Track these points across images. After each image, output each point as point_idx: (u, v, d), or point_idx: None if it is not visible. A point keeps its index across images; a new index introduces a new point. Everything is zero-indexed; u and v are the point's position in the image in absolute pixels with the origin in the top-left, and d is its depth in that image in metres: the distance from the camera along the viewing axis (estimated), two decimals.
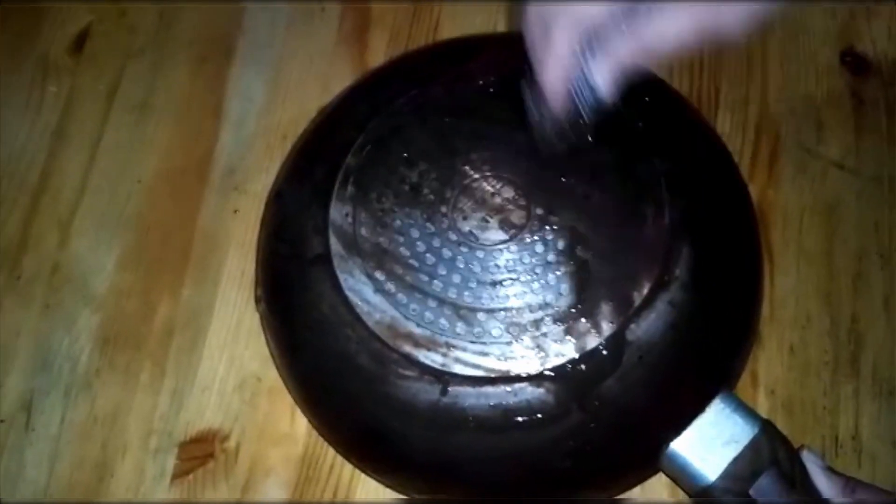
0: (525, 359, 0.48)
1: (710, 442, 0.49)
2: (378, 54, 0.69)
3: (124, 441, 0.59)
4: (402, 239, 0.51)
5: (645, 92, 0.56)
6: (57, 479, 0.58)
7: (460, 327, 0.49)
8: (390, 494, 0.56)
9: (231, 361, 0.61)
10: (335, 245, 0.51)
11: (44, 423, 0.60)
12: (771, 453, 0.49)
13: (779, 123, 0.65)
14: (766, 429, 0.49)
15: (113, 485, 0.58)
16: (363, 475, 0.57)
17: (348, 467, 0.57)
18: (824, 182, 0.63)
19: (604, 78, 0.38)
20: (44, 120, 0.68)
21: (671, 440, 0.49)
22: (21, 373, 0.61)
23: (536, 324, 0.48)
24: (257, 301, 0.57)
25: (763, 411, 0.54)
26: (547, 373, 0.48)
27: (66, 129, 0.68)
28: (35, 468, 0.59)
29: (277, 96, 0.68)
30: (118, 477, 0.58)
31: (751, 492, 0.48)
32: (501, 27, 0.68)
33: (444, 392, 0.48)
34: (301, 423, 0.59)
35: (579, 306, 0.49)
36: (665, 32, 0.36)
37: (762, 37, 0.67)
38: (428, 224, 0.51)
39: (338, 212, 0.52)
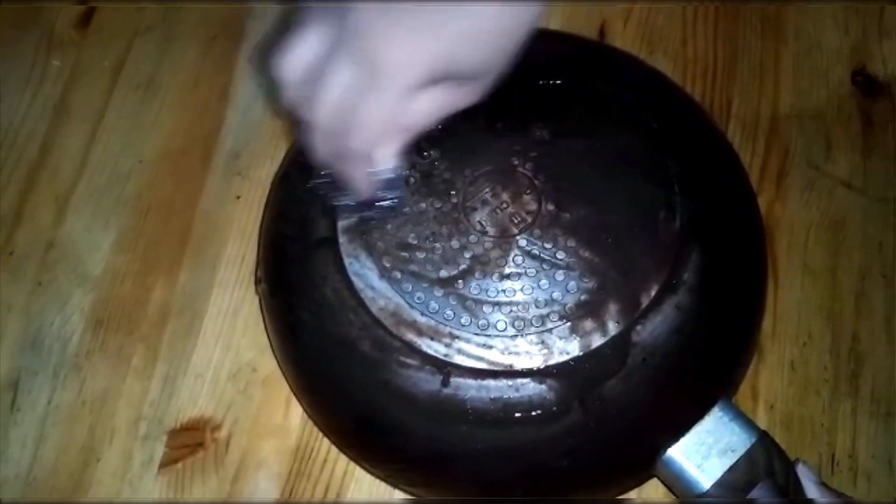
0: (529, 354, 0.47)
1: (707, 450, 0.49)
2: None
3: (112, 426, 0.58)
4: (410, 226, 0.50)
5: (660, 94, 0.56)
6: (41, 462, 0.57)
7: (465, 318, 0.48)
8: (384, 492, 0.56)
9: (226, 349, 0.60)
10: (342, 228, 0.50)
11: (30, 403, 0.59)
12: (767, 464, 0.49)
13: (788, 139, 0.65)
14: (763, 439, 0.49)
15: (99, 470, 0.57)
16: (356, 472, 0.56)
17: (342, 463, 0.56)
18: (831, 200, 0.63)
19: (389, 162, 0.44)
20: (45, 93, 0.68)
21: (668, 445, 0.49)
22: (9, 351, 0.60)
23: (542, 319, 0.48)
24: (257, 282, 0.56)
25: (762, 425, 0.53)
26: (550, 369, 0.47)
27: (68, 104, 0.67)
28: (19, 449, 0.57)
29: None
30: (104, 462, 0.57)
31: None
32: None
33: (445, 383, 0.48)
34: (295, 416, 0.58)
35: (586, 305, 0.48)
36: (426, 116, 0.43)
37: (775, 51, 0.67)
38: (437, 213, 0.50)
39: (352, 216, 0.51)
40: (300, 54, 0.42)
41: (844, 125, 0.65)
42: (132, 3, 0.71)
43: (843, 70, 0.67)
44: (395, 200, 0.49)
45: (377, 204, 0.48)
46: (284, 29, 0.43)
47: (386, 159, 0.44)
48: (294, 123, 0.45)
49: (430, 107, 0.43)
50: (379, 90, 0.40)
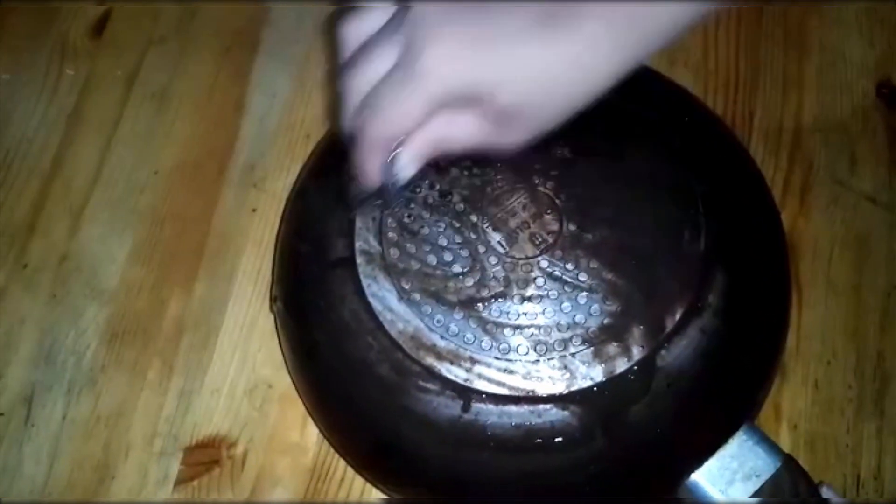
0: (551, 379, 0.47)
1: (732, 474, 0.48)
2: None
3: (127, 441, 0.57)
4: (429, 247, 0.49)
5: (683, 111, 0.55)
6: (55, 478, 0.56)
7: (486, 342, 0.47)
8: None
9: (242, 364, 0.59)
10: (360, 249, 0.50)
11: (44, 418, 0.58)
12: (792, 489, 0.48)
13: (812, 153, 0.64)
14: (788, 464, 0.48)
15: (114, 487, 0.56)
16: (374, 490, 0.55)
17: (359, 481, 0.56)
18: (855, 215, 0.62)
19: (404, 166, 0.42)
20: (59, 103, 0.66)
21: (692, 470, 0.48)
22: (23, 365, 0.59)
23: (564, 343, 0.47)
24: (273, 300, 0.56)
25: (785, 446, 0.53)
26: (573, 395, 0.46)
27: (81, 115, 0.66)
28: (33, 464, 0.57)
29: (302, 93, 0.67)
30: (119, 479, 0.57)
31: None
32: None
33: (465, 408, 0.47)
34: (312, 434, 0.57)
35: (609, 328, 0.47)
36: (455, 138, 0.41)
37: (798, 62, 0.66)
38: (456, 233, 0.50)
39: (364, 215, 0.50)
40: (365, 22, 0.42)
41: (869, 139, 0.64)
42: (149, 3, 0.70)
43: (867, 82, 0.66)
44: (399, 199, 0.49)
45: (382, 194, 0.46)
46: None
47: (402, 161, 0.42)
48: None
49: (462, 130, 0.41)
50: (411, 85, 0.39)
